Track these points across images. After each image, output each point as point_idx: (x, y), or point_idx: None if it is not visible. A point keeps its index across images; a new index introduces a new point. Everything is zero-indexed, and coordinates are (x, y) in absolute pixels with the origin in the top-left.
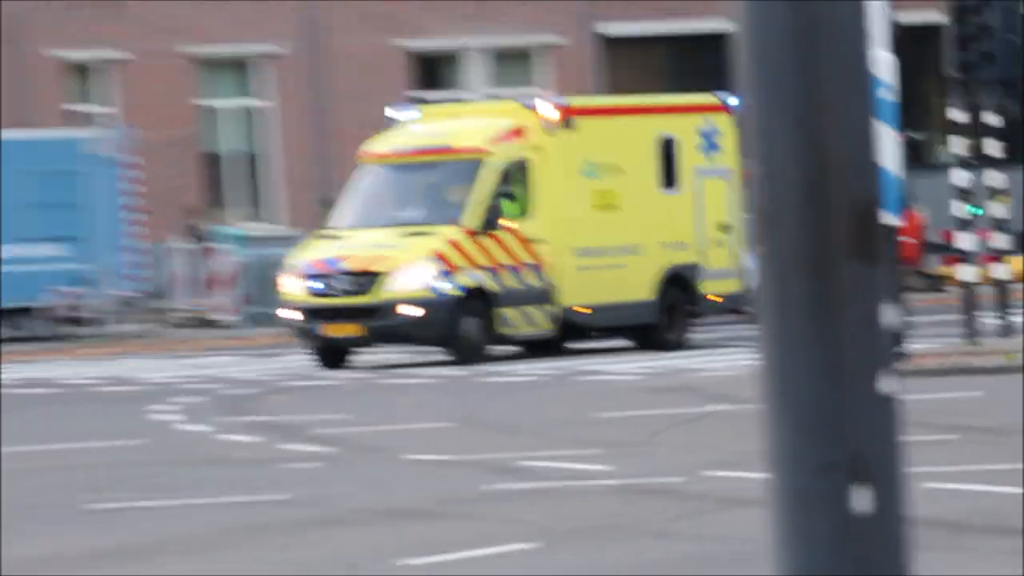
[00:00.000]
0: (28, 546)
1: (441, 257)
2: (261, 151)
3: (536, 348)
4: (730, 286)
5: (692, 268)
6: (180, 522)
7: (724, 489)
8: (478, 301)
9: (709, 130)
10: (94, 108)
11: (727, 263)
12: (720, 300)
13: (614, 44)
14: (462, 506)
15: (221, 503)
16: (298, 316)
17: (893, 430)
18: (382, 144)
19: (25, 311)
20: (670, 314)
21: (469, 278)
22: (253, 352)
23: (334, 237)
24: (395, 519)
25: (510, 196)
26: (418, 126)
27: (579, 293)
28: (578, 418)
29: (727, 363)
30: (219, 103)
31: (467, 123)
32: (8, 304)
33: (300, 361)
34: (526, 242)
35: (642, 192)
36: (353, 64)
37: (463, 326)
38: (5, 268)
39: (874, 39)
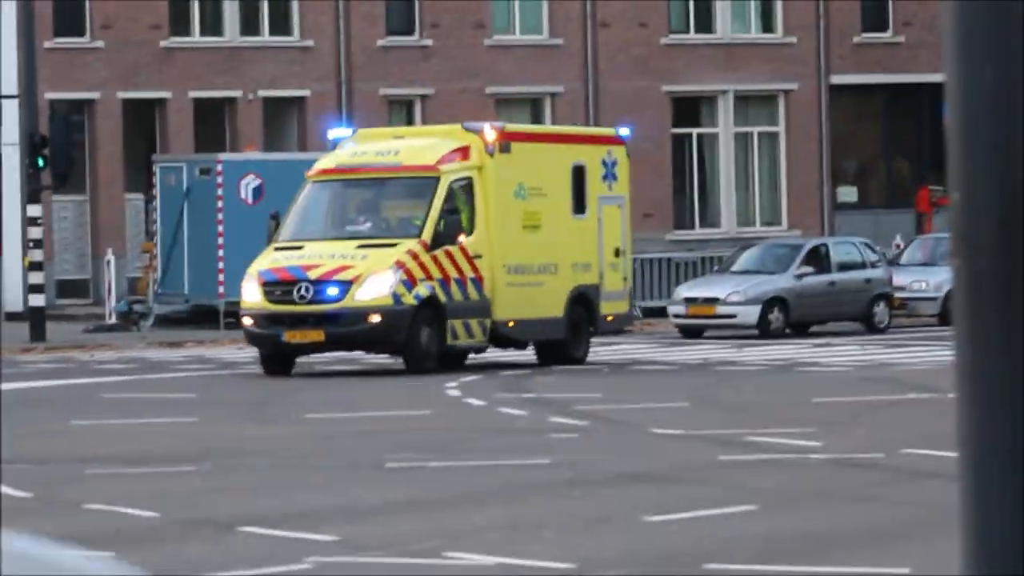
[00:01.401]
0: (330, 495)
1: (402, 267)
2: None
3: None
4: (621, 307)
5: (595, 289)
6: (463, 480)
7: (918, 464)
8: (431, 311)
9: (610, 161)
10: None
11: (619, 285)
12: (612, 319)
13: (840, 91)
14: (696, 472)
15: (494, 464)
16: (258, 322)
17: None
18: (331, 162)
19: None
20: (575, 331)
21: (425, 289)
22: None
23: (293, 247)
24: (641, 482)
25: (456, 213)
26: (364, 145)
27: (508, 308)
28: (797, 401)
29: (926, 359)
30: None
31: (414, 143)
32: None
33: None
34: (470, 258)
35: (559, 215)
36: (621, 103)
37: (421, 335)
38: None
39: None
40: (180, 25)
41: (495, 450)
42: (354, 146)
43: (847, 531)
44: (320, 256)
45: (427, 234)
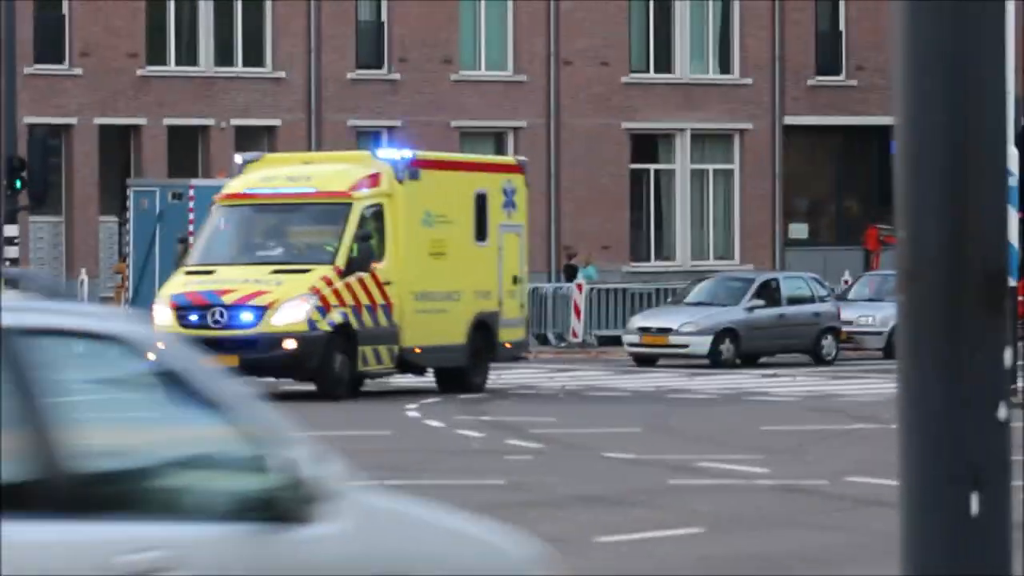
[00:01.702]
0: None
1: (317, 293)
2: None
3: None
4: (519, 334)
5: (494, 315)
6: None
7: (862, 491)
8: (344, 338)
9: (510, 189)
10: None
11: (517, 312)
12: (510, 346)
13: (793, 131)
14: (647, 496)
15: (450, 484)
16: None
17: (1007, 450)
18: (240, 186)
19: None
20: (475, 358)
21: (339, 315)
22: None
23: (205, 272)
24: (593, 504)
25: (368, 239)
26: (273, 170)
27: (415, 335)
28: (745, 429)
29: (871, 390)
30: None
31: (324, 168)
32: None
33: (522, 374)
34: (380, 284)
35: (462, 242)
36: (582, 138)
37: (334, 362)
38: None
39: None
40: (156, 54)
41: (452, 470)
42: (264, 171)
43: (791, 555)
44: (233, 281)
45: (341, 260)
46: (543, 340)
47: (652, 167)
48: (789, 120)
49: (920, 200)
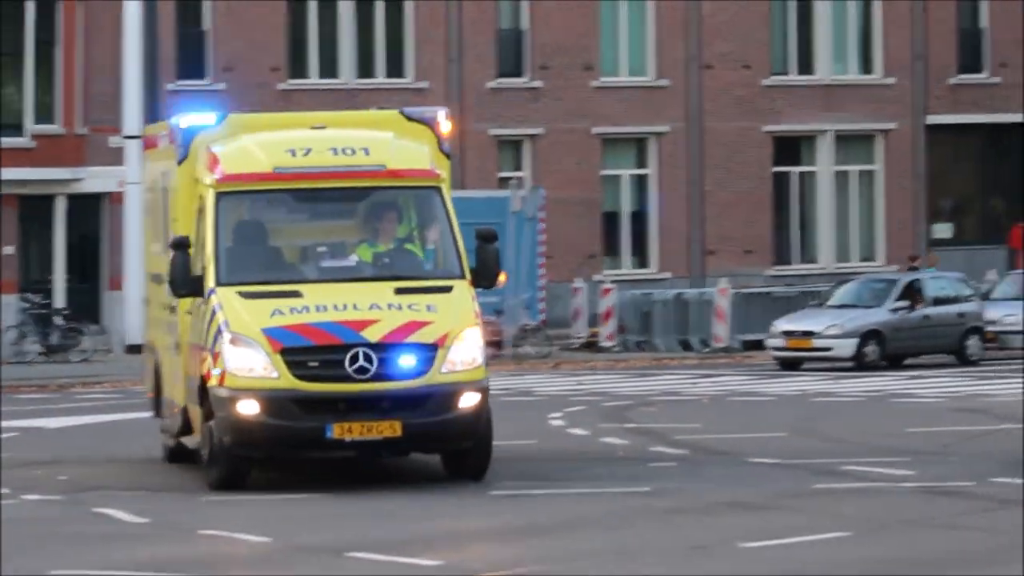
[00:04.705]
0: (433, 525)
1: (480, 323)
2: (647, 210)
3: None
4: None
5: None
6: (569, 506)
7: (1008, 492)
8: None
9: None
10: (516, 174)
11: None
12: None
13: (937, 130)
14: (792, 500)
15: (598, 492)
16: (279, 409)
17: None
18: (254, 162)
19: None
20: None
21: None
22: (629, 372)
23: (283, 293)
24: (738, 509)
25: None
26: (276, 136)
27: None
28: (891, 432)
29: (1017, 390)
30: (618, 171)
31: (377, 137)
32: None
33: (666, 380)
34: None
35: None
36: (724, 142)
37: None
38: None
39: None
40: (298, 67)
41: (598, 478)
42: (265, 137)
43: (937, 558)
44: (349, 306)
45: (467, 271)
46: (687, 346)
47: (795, 169)
48: (932, 119)
49: None
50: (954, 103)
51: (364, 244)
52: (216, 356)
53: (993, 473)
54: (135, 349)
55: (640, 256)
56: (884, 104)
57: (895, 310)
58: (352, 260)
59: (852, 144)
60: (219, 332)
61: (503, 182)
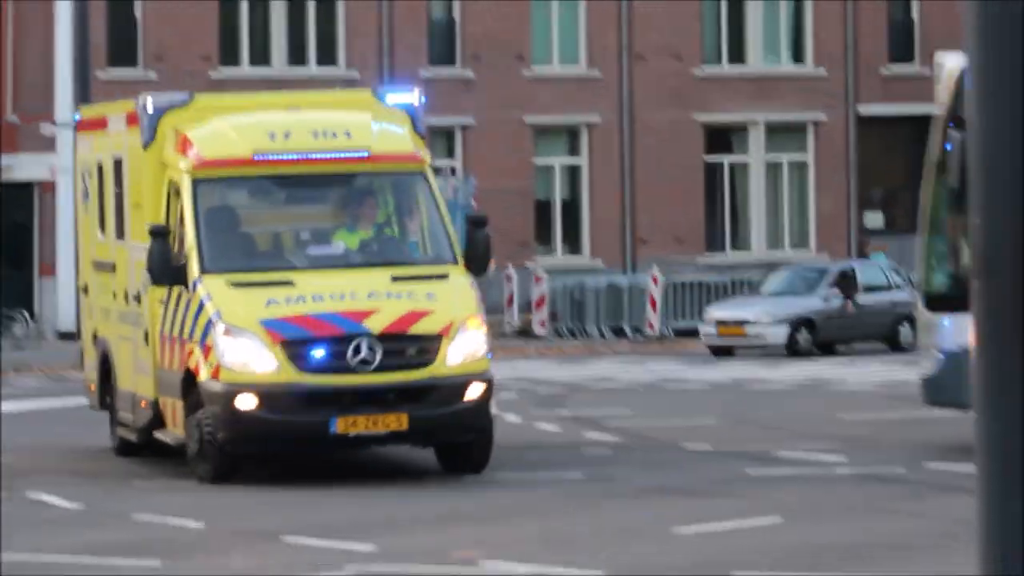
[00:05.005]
0: (369, 512)
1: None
2: (579, 199)
3: None
4: None
5: None
6: (503, 492)
7: (940, 478)
8: None
9: None
10: (450, 163)
11: None
12: None
13: (868, 121)
14: (725, 486)
15: (531, 478)
16: (279, 403)
17: None
18: (227, 148)
19: None
20: None
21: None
22: (562, 359)
23: (276, 283)
24: (671, 494)
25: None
26: (249, 119)
27: None
28: (823, 418)
29: None
30: (550, 161)
31: (354, 119)
32: None
33: (599, 367)
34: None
35: None
36: (656, 132)
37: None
38: None
39: None
40: (229, 56)
41: (531, 465)
42: (238, 119)
43: (870, 542)
44: (353, 296)
45: (460, 257)
46: (620, 333)
47: (727, 159)
48: (863, 110)
49: (992, 190)
50: (885, 94)
51: (349, 230)
52: (208, 349)
53: (925, 459)
54: (67, 336)
55: (572, 245)
56: (815, 95)
57: (827, 298)
58: (340, 247)
59: (784, 134)
60: (210, 323)
61: (436, 171)
